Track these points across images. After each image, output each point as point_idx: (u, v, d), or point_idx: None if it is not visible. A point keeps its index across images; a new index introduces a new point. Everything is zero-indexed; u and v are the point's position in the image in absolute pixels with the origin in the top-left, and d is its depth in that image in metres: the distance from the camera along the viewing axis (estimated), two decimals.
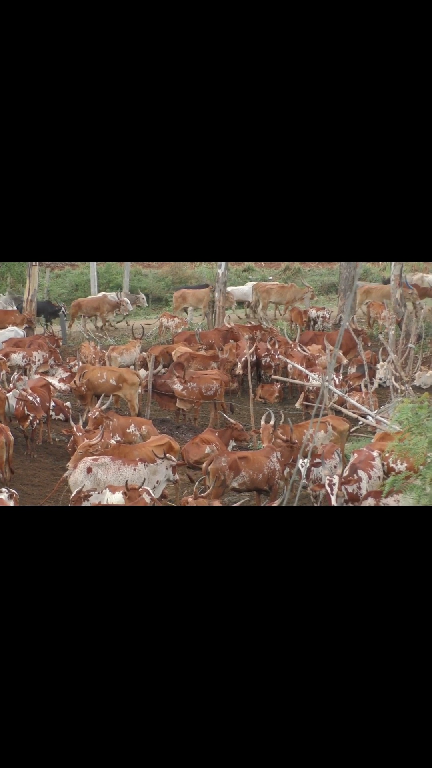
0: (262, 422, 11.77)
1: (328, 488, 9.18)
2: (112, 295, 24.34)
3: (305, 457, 10.32)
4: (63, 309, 23.78)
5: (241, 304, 25.20)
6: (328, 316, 22.57)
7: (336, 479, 9.19)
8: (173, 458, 10.55)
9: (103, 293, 24.57)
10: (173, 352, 17.30)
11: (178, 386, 14.88)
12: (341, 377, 15.94)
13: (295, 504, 8.93)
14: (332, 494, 9.11)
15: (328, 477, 9.33)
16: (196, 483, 10.01)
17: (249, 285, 25.54)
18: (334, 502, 9.02)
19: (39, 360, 17.06)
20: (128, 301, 24.39)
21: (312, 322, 22.42)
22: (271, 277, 30.16)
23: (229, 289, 24.50)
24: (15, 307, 22.67)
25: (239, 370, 16.99)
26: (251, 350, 17.18)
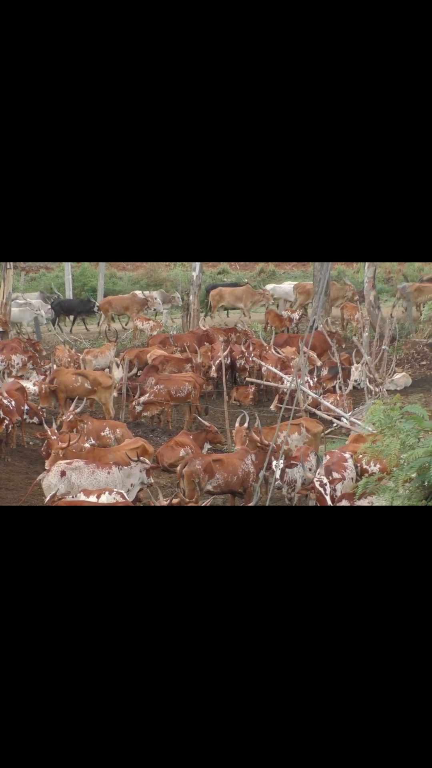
0: (236, 425, 11.79)
1: (321, 489, 9.20)
2: (141, 294, 24.30)
3: (280, 458, 10.35)
4: (96, 306, 23.81)
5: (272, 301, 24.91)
6: (302, 317, 22.69)
7: (326, 480, 9.23)
8: (147, 461, 10.54)
9: (133, 292, 24.44)
10: (148, 355, 17.30)
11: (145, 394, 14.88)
12: (315, 379, 16.00)
13: (266, 505, 8.95)
14: (326, 494, 9.14)
15: (317, 479, 9.36)
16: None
17: (288, 284, 25.28)
18: (329, 502, 9.05)
19: (18, 363, 17.01)
20: (159, 300, 24.33)
21: (287, 324, 22.51)
22: (246, 280, 30.20)
23: (268, 287, 24.48)
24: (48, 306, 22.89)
25: (213, 373, 17.01)
26: (225, 353, 17.20)
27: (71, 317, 24.50)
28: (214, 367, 16.92)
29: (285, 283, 25.61)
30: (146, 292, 24.55)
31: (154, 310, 24.34)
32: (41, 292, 25.85)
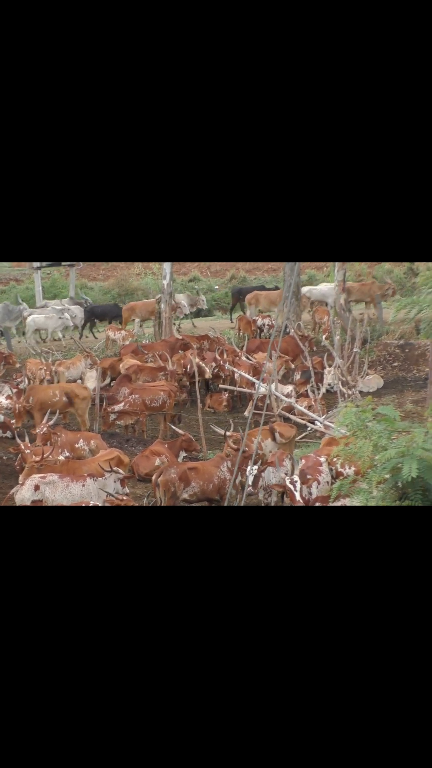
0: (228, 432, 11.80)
1: (291, 486, 9.21)
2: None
3: (255, 463, 10.35)
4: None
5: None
6: (274, 323, 22.70)
7: (297, 479, 9.25)
8: (120, 471, 10.51)
9: (158, 296, 24.52)
10: (121, 365, 17.26)
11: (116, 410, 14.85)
12: (293, 385, 16.05)
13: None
14: (296, 491, 9.14)
15: (289, 477, 9.37)
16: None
17: (325, 285, 24.92)
18: (298, 499, 9.06)
19: None
20: (185, 304, 24.31)
21: (259, 330, 22.53)
22: (217, 287, 30.23)
23: (304, 290, 24.32)
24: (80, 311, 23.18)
25: (186, 381, 17.00)
26: (197, 360, 17.18)
27: (105, 322, 24.64)
28: (209, 371, 16.81)
29: (322, 284, 25.38)
30: (177, 296, 24.50)
31: (180, 315, 24.37)
32: (71, 298, 25.91)
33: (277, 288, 25.39)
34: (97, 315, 24.81)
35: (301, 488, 9.25)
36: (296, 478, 9.26)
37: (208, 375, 16.82)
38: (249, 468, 10.18)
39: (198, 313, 25.90)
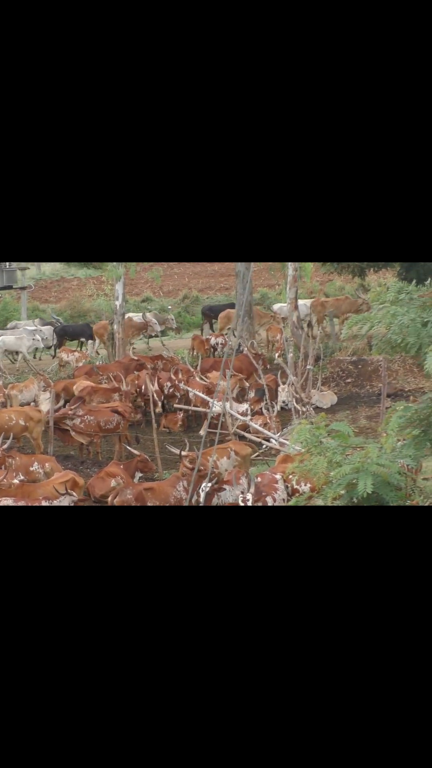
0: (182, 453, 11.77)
1: (242, 504, 9.20)
2: (137, 317, 24.12)
3: (211, 481, 10.34)
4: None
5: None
6: (227, 342, 22.76)
7: (249, 497, 9.24)
8: (74, 494, 10.44)
9: (127, 315, 24.35)
10: (74, 386, 17.16)
11: (76, 420, 14.75)
12: (248, 403, 16.08)
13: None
14: None
15: (241, 495, 9.36)
16: None
17: (300, 302, 25.16)
18: None
19: None
20: (156, 322, 24.20)
21: (212, 349, 22.58)
22: (170, 306, 30.23)
23: (275, 307, 24.28)
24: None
25: (141, 401, 16.97)
26: (154, 381, 17.16)
27: (77, 341, 24.56)
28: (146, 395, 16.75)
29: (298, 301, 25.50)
30: (146, 315, 24.42)
31: (153, 334, 24.34)
32: (40, 318, 25.71)
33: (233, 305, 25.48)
34: (68, 334, 24.69)
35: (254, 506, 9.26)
36: (249, 495, 9.27)
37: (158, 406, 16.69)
38: (203, 485, 10.17)
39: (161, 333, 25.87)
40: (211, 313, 26.10)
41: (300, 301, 24.38)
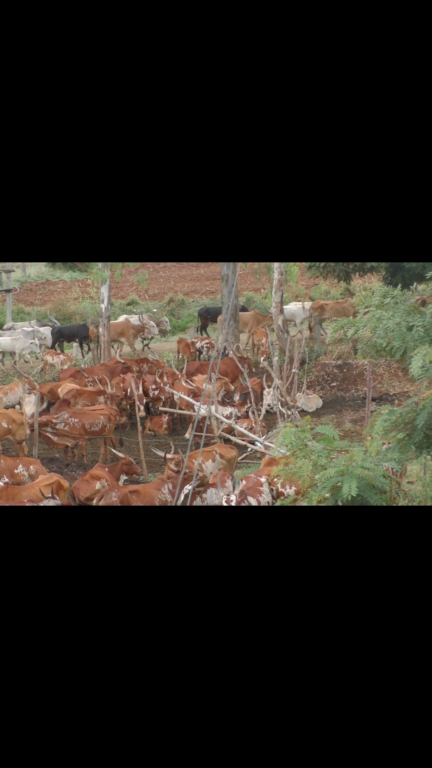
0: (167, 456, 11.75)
1: (225, 505, 9.21)
2: (134, 319, 24.03)
3: (192, 483, 10.34)
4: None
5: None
6: (213, 345, 22.77)
7: (233, 497, 9.24)
8: (57, 497, 10.42)
9: (125, 316, 24.09)
10: (59, 389, 17.13)
11: (60, 425, 14.71)
12: (236, 406, 16.10)
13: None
14: None
15: (225, 496, 9.36)
16: None
17: (294, 305, 24.97)
18: None
19: None
20: (153, 324, 24.14)
21: (198, 353, 22.58)
22: (155, 310, 30.22)
23: (272, 310, 24.27)
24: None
25: (126, 404, 16.94)
26: (139, 385, 17.14)
27: (73, 343, 24.47)
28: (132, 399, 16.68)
29: (291, 304, 25.45)
30: (144, 317, 24.39)
31: (149, 336, 24.30)
32: (37, 320, 25.62)
33: (245, 309, 25.42)
34: (65, 336, 24.62)
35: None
36: (232, 497, 9.28)
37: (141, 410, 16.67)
38: (186, 487, 10.18)
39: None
40: (208, 315, 26.06)
41: (295, 305, 24.47)
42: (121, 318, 25.07)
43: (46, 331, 24.10)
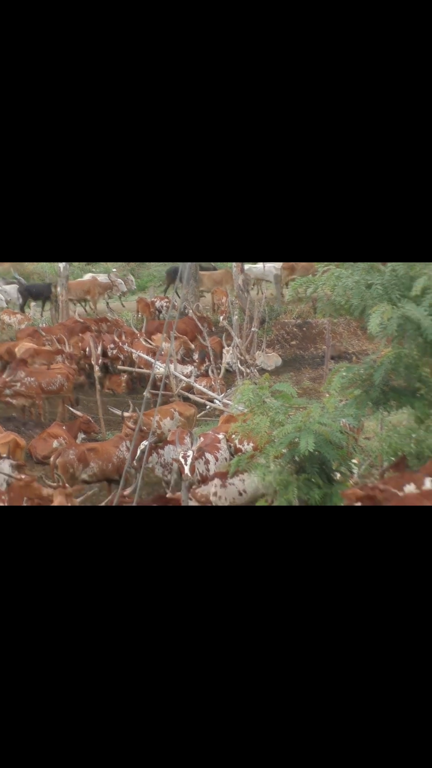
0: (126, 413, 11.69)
1: (182, 460, 9.17)
2: (102, 277, 23.59)
3: (149, 439, 10.30)
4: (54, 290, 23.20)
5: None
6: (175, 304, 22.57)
7: (190, 453, 9.21)
8: (12, 459, 10.32)
9: (91, 274, 23.53)
10: (16, 349, 16.93)
11: (17, 386, 14.57)
12: (195, 364, 16.07)
13: (139, 490, 8.87)
14: (186, 465, 9.09)
15: (182, 452, 9.32)
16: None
17: (263, 265, 24.01)
18: (187, 472, 9.02)
19: None
20: (121, 282, 23.73)
21: (158, 312, 22.43)
22: (114, 269, 29.93)
23: (246, 267, 23.90)
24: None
25: (85, 363, 16.83)
26: (98, 344, 17.01)
27: (38, 302, 23.96)
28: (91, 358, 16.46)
29: (260, 264, 25.13)
30: (111, 275, 23.92)
31: (117, 293, 23.88)
32: (2, 278, 25.09)
33: (215, 269, 25.15)
34: (32, 294, 24.21)
35: (193, 462, 9.20)
36: (189, 452, 9.24)
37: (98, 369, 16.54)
38: (142, 443, 10.13)
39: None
40: (174, 276, 25.75)
41: (269, 264, 24.21)
42: (87, 276, 24.71)
43: (12, 290, 23.70)
